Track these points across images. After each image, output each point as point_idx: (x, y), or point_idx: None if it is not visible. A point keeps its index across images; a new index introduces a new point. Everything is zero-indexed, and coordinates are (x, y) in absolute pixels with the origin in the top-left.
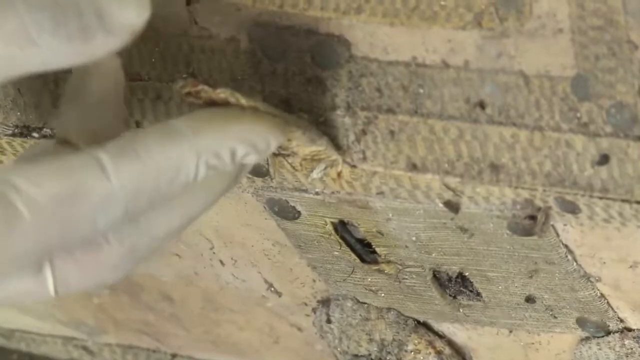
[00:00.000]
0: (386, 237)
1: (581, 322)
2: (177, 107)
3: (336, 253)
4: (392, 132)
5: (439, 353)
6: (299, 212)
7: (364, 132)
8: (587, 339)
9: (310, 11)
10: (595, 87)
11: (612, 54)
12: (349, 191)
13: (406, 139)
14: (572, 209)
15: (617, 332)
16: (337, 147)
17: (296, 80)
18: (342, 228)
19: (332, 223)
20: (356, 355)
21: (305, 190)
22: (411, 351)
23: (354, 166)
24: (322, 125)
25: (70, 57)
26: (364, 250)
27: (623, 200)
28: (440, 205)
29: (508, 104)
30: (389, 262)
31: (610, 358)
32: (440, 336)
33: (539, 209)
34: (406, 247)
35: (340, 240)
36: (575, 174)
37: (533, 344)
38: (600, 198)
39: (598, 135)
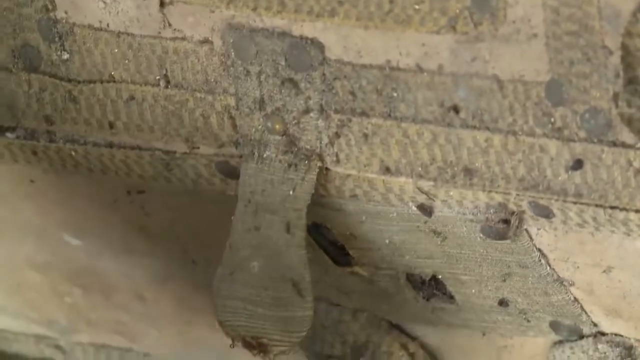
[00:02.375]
0: (359, 239)
1: (554, 326)
2: (150, 108)
3: (309, 255)
4: (365, 135)
5: (412, 355)
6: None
7: (337, 135)
8: (560, 342)
9: (283, 14)
10: (570, 92)
11: (586, 59)
12: (322, 194)
13: (380, 142)
14: (546, 213)
15: (591, 336)
16: (311, 150)
17: (270, 82)
18: (315, 230)
19: (308, 226)
20: (329, 357)
21: None
22: (384, 353)
23: (326, 169)
24: (295, 127)
25: None
26: (337, 253)
27: (597, 205)
28: (414, 208)
29: (482, 108)
30: (362, 264)
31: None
32: (414, 338)
33: (513, 213)
34: (379, 249)
35: (313, 243)
36: (549, 179)
37: (506, 347)
38: (574, 203)
39: (572, 140)
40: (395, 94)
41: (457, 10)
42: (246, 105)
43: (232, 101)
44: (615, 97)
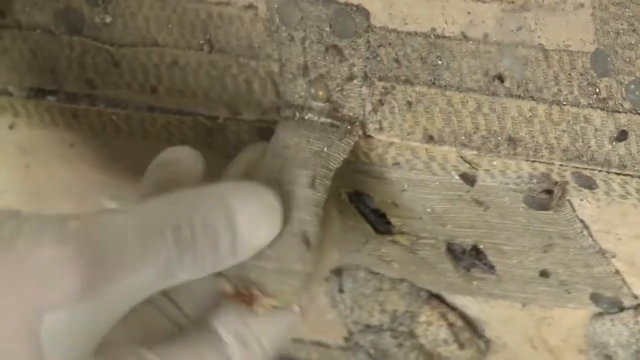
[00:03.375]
0: (401, 208)
1: (595, 298)
2: (193, 73)
3: (350, 223)
4: (409, 103)
5: (451, 325)
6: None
7: (381, 103)
8: (600, 314)
9: None
10: (615, 63)
11: (632, 30)
12: (365, 161)
13: (423, 110)
14: (589, 184)
15: (631, 308)
16: (354, 117)
17: (314, 48)
18: (356, 198)
19: (347, 193)
20: (368, 326)
21: None
22: (423, 322)
23: (369, 136)
24: (338, 93)
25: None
26: (379, 221)
27: None
28: (457, 177)
29: (527, 77)
30: (403, 233)
31: (624, 334)
32: (453, 308)
33: (556, 183)
34: (421, 218)
35: (354, 211)
36: (593, 150)
37: (546, 318)
38: (618, 174)
39: (617, 111)
40: (439, 62)
41: None
42: (289, 72)
43: (275, 67)
44: None
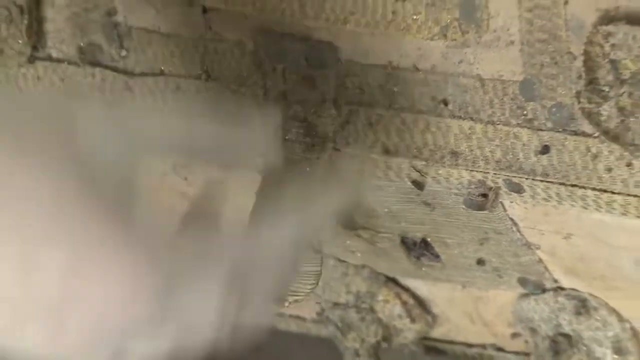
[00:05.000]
0: (364, 209)
1: (522, 282)
2: (193, 97)
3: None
4: (370, 123)
5: (404, 303)
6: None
7: (347, 122)
8: (526, 295)
9: (305, 21)
10: (540, 90)
11: (554, 62)
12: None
13: (382, 128)
14: (518, 189)
15: (552, 290)
16: (326, 135)
17: (292, 77)
18: None
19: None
20: (336, 303)
21: None
22: (381, 301)
23: (338, 150)
24: (313, 115)
25: None
26: (346, 219)
27: (560, 184)
28: (409, 183)
29: (467, 101)
30: (365, 228)
31: (545, 311)
32: (406, 289)
33: (490, 188)
34: (379, 217)
35: None
36: (521, 161)
37: (482, 298)
38: (541, 181)
39: (541, 130)
40: (395, 89)
41: (448, 21)
42: (272, 97)
43: (260, 92)
44: (578, 94)
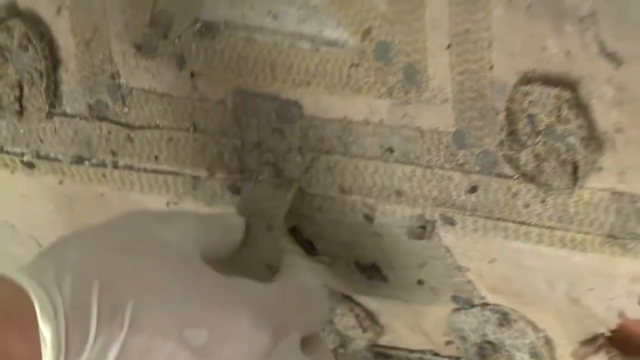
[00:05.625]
0: (324, 238)
1: (454, 299)
2: (182, 146)
3: (290, 247)
4: (329, 167)
5: (357, 316)
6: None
7: (310, 167)
8: (458, 309)
9: (274, 84)
10: (469, 140)
11: (481, 117)
12: (299, 207)
13: (339, 172)
14: (451, 222)
15: (479, 305)
16: (292, 177)
17: (264, 130)
18: (294, 232)
19: (289, 228)
20: None
21: None
22: (339, 314)
23: (303, 190)
24: (281, 161)
25: None
26: (309, 247)
27: (486, 217)
28: (361, 217)
29: (409, 149)
30: (325, 254)
31: (474, 323)
32: (358, 305)
33: (428, 221)
34: (337, 245)
35: (293, 240)
36: (454, 199)
37: (421, 312)
38: (470, 215)
39: (470, 172)
40: (350, 139)
41: (394, 83)
42: (248, 146)
43: (238, 143)
44: (501, 143)
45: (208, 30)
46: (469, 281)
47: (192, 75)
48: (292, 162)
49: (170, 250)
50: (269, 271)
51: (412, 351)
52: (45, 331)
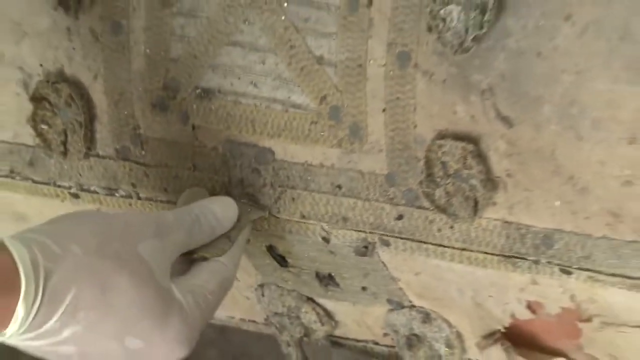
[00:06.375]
0: (293, 254)
1: (389, 302)
2: (185, 182)
3: (267, 261)
4: (293, 199)
5: (317, 314)
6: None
7: (279, 198)
8: (392, 309)
9: (254, 135)
10: (398, 180)
11: (406, 163)
12: (272, 229)
13: (300, 202)
14: (386, 243)
15: (408, 307)
16: (264, 206)
17: (246, 170)
18: (270, 248)
19: (266, 246)
20: (276, 313)
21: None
22: (304, 312)
23: (274, 216)
24: (258, 193)
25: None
26: (281, 260)
27: (411, 240)
28: (320, 239)
29: (353, 186)
30: (293, 266)
31: (403, 320)
32: (319, 305)
33: (370, 243)
34: (302, 259)
35: (269, 255)
36: (386, 224)
37: (365, 311)
38: (400, 238)
39: (398, 205)
40: (309, 178)
41: (342, 137)
42: (234, 181)
43: (226, 179)
44: (421, 183)
45: (206, 94)
46: (400, 288)
47: (193, 127)
48: (266, 194)
49: (142, 268)
50: (229, 240)
51: (358, 340)
52: (21, 308)
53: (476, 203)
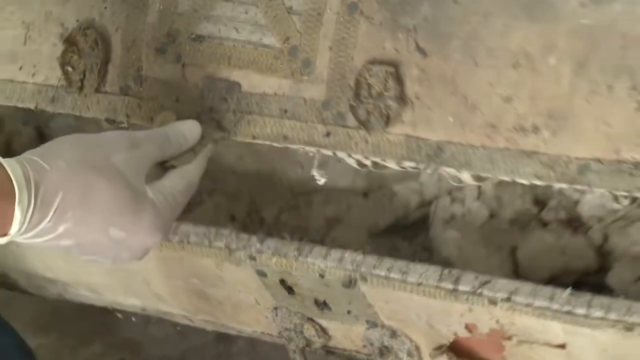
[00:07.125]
0: (298, 286)
1: (367, 322)
2: (169, 110)
3: (280, 291)
4: (249, 122)
5: (316, 329)
6: (266, 274)
7: (238, 122)
8: (369, 327)
9: (228, 68)
10: (332, 105)
11: (341, 90)
12: (285, 269)
13: (253, 125)
14: (365, 280)
15: (381, 326)
16: (225, 129)
17: (217, 100)
18: (282, 281)
19: (279, 280)
20: (286, 329)
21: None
22: (306, 328)
23: (232, 138)
24: (222, 117)
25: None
26: (290, 290)
27: (384, 278)
28: (317, 275)
29: (296, 111)
30: (298, 294)
31: (377, 335)
32: (317, 323)
33: (353, 279)
34: (305, 290)
35: (281, 286)
36: (317, 140)
37: (350, 328)
38: (374, 274)
39: (328, 124)
40: (263, 105)
41: (295, 68)
42: (205, 110)
43: (199, 110)
44: (349, 99)
45: (198, 39)
46: (375, 312)
47: (183, 65)
48: (228, 119)
49: (116, 174)
50: (193, 153)
51: (345, 350)
52: (18, 212)
53: (388, 118)
